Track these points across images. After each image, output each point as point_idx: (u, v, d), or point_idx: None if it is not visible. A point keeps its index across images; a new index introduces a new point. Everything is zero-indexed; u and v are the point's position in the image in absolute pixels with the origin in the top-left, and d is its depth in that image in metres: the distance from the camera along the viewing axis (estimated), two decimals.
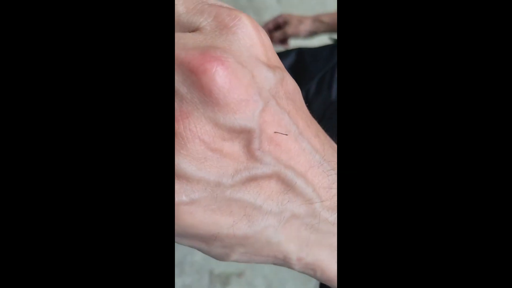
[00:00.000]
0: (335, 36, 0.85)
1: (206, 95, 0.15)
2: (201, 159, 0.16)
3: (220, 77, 0.15)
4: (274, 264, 0.20)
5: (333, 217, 0.19)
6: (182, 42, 0.16)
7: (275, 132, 0.17)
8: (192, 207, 0.16)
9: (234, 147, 0.17)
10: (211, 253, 0.18)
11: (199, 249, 0.18)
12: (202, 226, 0.16)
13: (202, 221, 0.16)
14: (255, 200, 0.17)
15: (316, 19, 0.87)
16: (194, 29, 0.17)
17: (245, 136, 0.16)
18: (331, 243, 0.19)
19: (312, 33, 0.89)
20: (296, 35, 0.90)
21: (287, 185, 0.18)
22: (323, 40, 0.92)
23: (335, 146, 0.20)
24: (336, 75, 0.69)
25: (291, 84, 0.19)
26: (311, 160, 0.18)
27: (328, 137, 0.20)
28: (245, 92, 0.16)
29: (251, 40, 0.17)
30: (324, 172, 0.19)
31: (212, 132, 0.16)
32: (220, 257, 0.19)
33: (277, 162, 0.17)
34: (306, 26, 0.88)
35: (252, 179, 0.17)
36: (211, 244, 0.17)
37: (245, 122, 0.16)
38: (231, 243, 0.17)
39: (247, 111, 0.16)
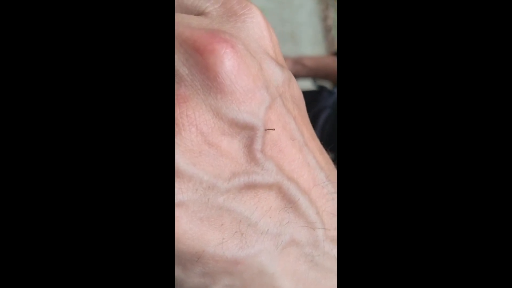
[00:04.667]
0: (319, 82, 0.89)
1: (211, 79, 0.15)
2: (195, 152, 0.15)
3: (229, 60, 0.16)
4: None
5: (336, 251, 0.19)
6: (186, 21, 0.16)
7: (265, 130, 0.17)
8: (178, 211, 0.15)
9: (234, 145, 0.16)
10: (185, 285, 0.17)
11: None
12: (185, 239, 0.15)
13: (187, 231, 0.15)
14: (251, 214, 0.17)
15: (298, 61, 0.91)
16: (198, 14, 0.18)
17: (247, 133, 0.16)
18: (331, 286, 0.19)
19: None
20: None
21: (289, 201, 0.17)
22: (304, 85, 0.96)
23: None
24: (319, 124, 0.71)
25: (297, 89, 0.20)
26: (315, 177, 0.19)
27: (331, 159, 0.21)
28: (252, 82, 0.16)
29: (260, 31, 0.18)
30: (329, 194, 0.19)
31: (211, 122, 0.16)
32: None
33: (279, 171, 0.17)
34: None
35: (251, 186, 0.16)
36: (190, 268, 0.16)
37: (249, 116, 0.16)
38: (215, 268, 0.16)
39: (253, 104, 0.16)
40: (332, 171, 0.20)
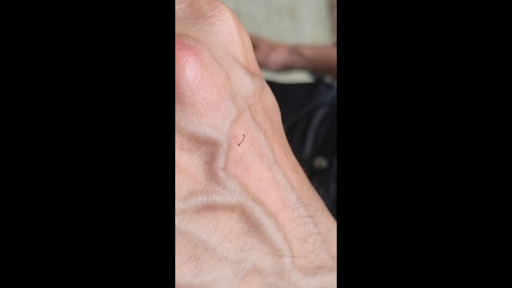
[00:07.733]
0: (318, 75, 0.87)
1: None
2: None
3: (191, 69, 0.15)
4: None
5: (304, 281, 0.19)
6: None
7: (238, 144, 0.17)
8: None
9: (193, 161, 0.16)
10: None
11: None
12: None
13: None
14: (209, 238, 0.17)
15: (294, 50, 0.87)
16: None
17: (209, 149, 0.16)
18: None
19: (287, 67, 0.88)
20: (264, 66, 0.87)
21: (252, 225, 0.17)
22: (301, 78, 0.94)
23: (314, 190, 0.21)
24: (313, 124, 0.68)
25: (270, 99, 0.20)
26: (285, 198, 0.19)
27: (307, 178, 0.21)
28: (217, 93, 0.16)
29: (230, 36, 0.18)
30: (300, 218, 0.19)
31: None
32: None
33: (243, 190, 0.17)
34: (279, 57, 0.86)
35: (210, 207, 0.16)
36: None
37: (211, 130, 0.16)
38: None
39: (216, 117, 0.16)
40: (306, 192, 0.20)
